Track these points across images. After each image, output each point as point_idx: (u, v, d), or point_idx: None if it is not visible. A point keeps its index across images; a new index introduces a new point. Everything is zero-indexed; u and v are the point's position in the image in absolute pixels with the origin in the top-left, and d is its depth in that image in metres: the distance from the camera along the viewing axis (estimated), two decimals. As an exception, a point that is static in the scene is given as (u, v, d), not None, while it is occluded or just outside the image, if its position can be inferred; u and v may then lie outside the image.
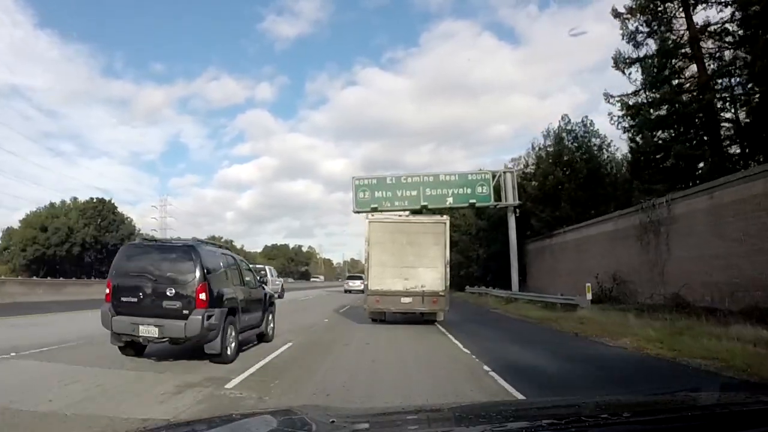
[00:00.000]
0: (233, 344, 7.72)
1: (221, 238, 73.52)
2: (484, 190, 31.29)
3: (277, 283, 29.29)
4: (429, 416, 1.99)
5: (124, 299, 7.21)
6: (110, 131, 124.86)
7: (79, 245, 45.59)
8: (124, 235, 48.04)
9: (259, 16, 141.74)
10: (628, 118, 28.03)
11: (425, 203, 30.66)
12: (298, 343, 10.07)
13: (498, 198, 31.64)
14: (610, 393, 3.92)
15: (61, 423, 4.34)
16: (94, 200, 48.04)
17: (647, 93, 26.96)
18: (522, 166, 39.40)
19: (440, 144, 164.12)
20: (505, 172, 32.33)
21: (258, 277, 10.33)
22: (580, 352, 9.20)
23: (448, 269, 13.83)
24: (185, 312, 7.01)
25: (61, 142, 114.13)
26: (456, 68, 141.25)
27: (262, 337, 10.00)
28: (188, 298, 7.08)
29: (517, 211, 31.50)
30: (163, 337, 7.06)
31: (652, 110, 26.02)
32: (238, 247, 72.38)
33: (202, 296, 7.08)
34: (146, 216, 74.30)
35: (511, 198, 31.56)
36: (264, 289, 10.27)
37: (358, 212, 31.44)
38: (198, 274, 7.17)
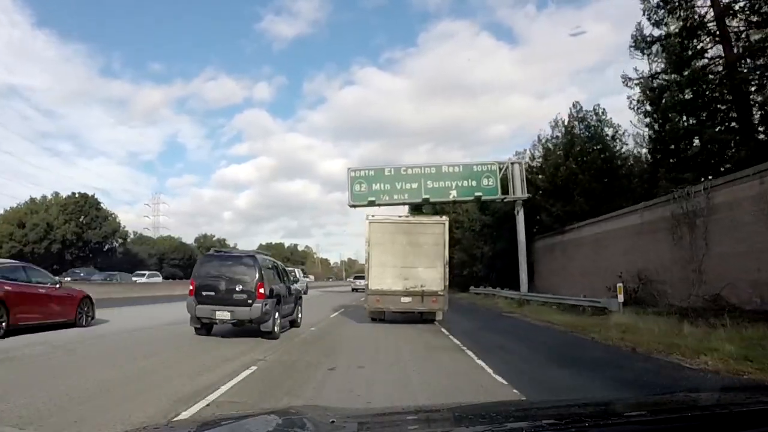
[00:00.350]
0: (278, 325, 10.53)
1: (213, 236, 71.17)
2: (490, 183, 28.92)
3: (303, 282, 32.72)
4: (429, 416, 1.96)
5: (204, 293, 9.88)
6: (108, 131, 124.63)
7: (60, 242, 42.87)
8: (107, 232, 45.53)
9: (257, 16, 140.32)
10: (649, 102, 25.86)
11: (427, 196, 28.29)
12: (266, 367, 7.35)
13: (505, 191, 29.30)
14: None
15: None
16: (76, 195, 45.27)
17: (671, 75, 24.70)
18: (528, 159, 37.08)
19: (438, 144, 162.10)
20: (513, 163, 29.96)
21: (290, 277, 13.15)
22: (666, 381, 6.53)
23: (447, 269, 13.89)
24: (249, 301, 9.75)
25: (59, 142, 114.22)
26: (454, 68, 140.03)
27: (294, 323, 12.67)
28: (251, 292, 9.79)
29: (519, 209, 29.17)
30: (234, 319, 9.84)
31: (678, 93, 23.77)
32: (232, 246, 70.19)
33: (261, 290, 9.85)
34: (143, 216, 72.01)
35: (519, 191, 29.19)
36: (295, 286, 13.19)
37: (354, 206, 29.04)
38: (257, 275, 9.93)
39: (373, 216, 14.92)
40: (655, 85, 24.34)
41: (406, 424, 1.76)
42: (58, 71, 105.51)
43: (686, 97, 23.44)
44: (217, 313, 9.72)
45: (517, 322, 16.67)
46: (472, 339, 10.89)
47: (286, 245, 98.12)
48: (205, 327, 10.20)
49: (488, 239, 35.79)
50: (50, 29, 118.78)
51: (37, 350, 8.05)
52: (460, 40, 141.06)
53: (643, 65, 27.22)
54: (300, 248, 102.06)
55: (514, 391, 5.83)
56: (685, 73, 23.11)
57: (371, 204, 28.65)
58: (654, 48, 24.82)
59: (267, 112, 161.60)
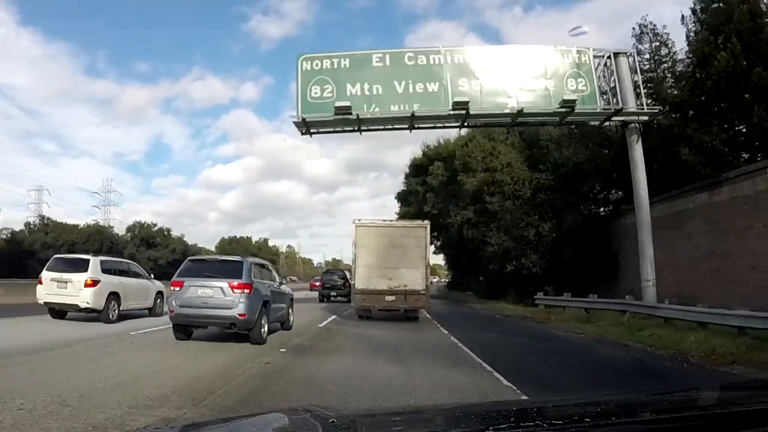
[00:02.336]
0: (350, 297, 19.58)
1: (155, 225, 57.14)
2: (581, 86, 14.74)
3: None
4: (429, 416, 1.96)
5: (325, 285, 25.48)
6: (93, 131, 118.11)
7: None
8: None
9: (244, 16, 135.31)
10: None
11: (460, 100, 13.87)
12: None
13: (607, 105, 15.11)
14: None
15: None
16: None
17: None
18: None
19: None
20: (616, 54, 15.55)
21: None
22: None
23: (428, 270, 15.16)
24: (342, 288, 24.12)
25: (43, 141, 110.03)
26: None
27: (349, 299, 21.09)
28: (344, 284, 23.90)
29: (636, 137, 14.92)
30: (337, 295, 24.19)
31: None
32: (180, 235, 58.68)
33: (346, 284, 23.18)
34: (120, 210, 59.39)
35: (631, 102, 14.97)
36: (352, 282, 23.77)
37: (306, 124, 14.63)
38: (345, 278, 24.13)
39: (359, 220, 14.76)
40: None
41: (405, 424, 1.71)
42: (43, 70, 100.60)
43: None
44: (331, 293, 24.38)
45: None
46: None
47: (254, 240, 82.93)
48: (324, 299, 24.34)
49: (548, 211, 21.28)
50: (35, 27, 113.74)
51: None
52: (447, 41, 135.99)
53: None
54: (271, 243, 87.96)
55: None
56: None
57: (343, 117, 14.26)
58: None
59: (253, 112, 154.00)
